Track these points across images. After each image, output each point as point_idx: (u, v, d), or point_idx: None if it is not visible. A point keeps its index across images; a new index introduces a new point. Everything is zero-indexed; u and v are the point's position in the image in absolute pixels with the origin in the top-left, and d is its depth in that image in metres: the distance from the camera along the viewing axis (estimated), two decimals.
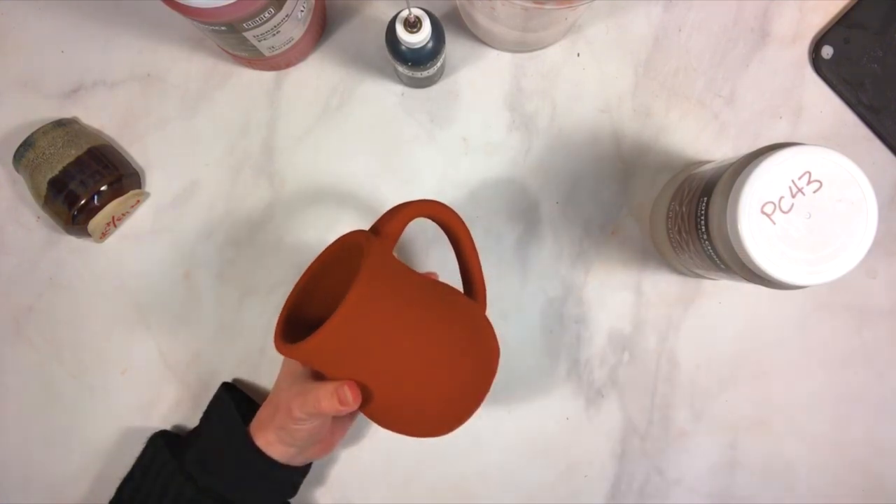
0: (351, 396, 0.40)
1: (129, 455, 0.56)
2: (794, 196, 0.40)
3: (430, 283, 0.44)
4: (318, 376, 0.43)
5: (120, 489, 0.51)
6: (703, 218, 0.44)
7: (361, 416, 0.50)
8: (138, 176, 0.57)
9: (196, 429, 0.54)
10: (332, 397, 0.41)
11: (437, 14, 0.50)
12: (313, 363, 0.43)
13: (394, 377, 0.40)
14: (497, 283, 0.56)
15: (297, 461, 0.49)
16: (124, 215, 0.56)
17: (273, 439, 0.47)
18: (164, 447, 0.50)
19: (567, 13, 0.49)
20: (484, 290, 0.48)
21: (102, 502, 0.56)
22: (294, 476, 0.51)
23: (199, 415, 0.54)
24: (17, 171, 0.55)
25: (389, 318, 0.39)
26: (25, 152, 0.53)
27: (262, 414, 0.49)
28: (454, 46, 0.58)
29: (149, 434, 0.53)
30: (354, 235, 0.44)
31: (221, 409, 0.52)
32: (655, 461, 0.57)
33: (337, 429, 0.50)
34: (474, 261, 0.47)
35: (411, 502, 0.57)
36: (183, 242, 0.57)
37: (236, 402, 0.52)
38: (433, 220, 0.46)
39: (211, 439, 0.51)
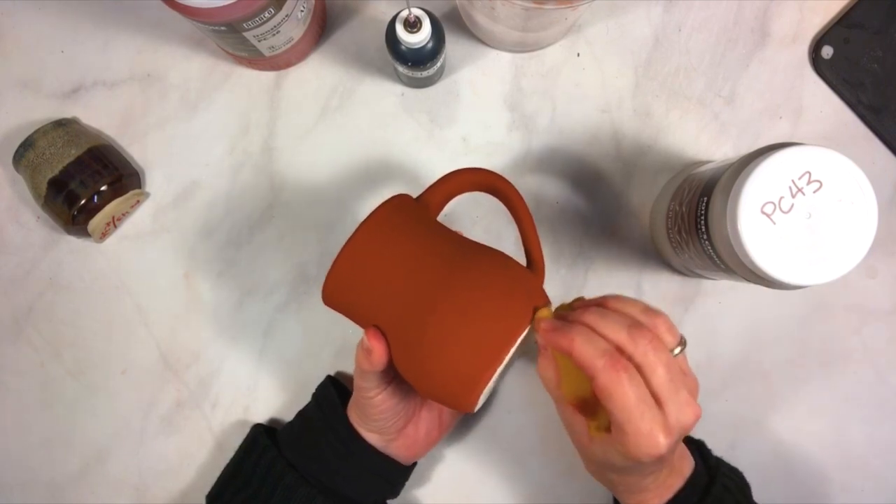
0: (369, 342, 0.39)
1: (129, 455, 0.56)
2: (794, 196, 0.40)
3: (461, 240, 0.42)
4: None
5: (221, 476, 0.51)
6: (703, 218, 0.45)
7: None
8: (138, 176, 0.57)
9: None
10: (359, 348, 0.41)
11: (437, 14, 0.50)
12: (340, 310, 0.42)
13: (408, 323, 0.39)
14: None
15: (389, 452, 0.48)
16: (124, 215, 0.56)
17: (356, 419, 0.47)
18: (265, 433, 0.51)
19: (567, 13, 0.49)
20: (540, 259, 0.46)
21: (102, 503, 0.56)
22: (388, 467, 0.49)
23: (199, 414, 0.54)
24: (17, 171, 0.55)
25: (396, 263, 0.39)
26: (25, 152, 0.53)
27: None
28: (454, 46, 0.58)
29: (151, 434, 0.53)
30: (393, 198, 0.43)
31: (321, 391, 0.52)
32: None
33: (422, 424, 0.49)
34: (529, 229, 0.46)
35: (411, 502, 0.57)
36: (183, 242, 0.57)
37: (340, 395, 0.51)
38: (481, 189, 0.45)
39: (307, 418, 0.51)
